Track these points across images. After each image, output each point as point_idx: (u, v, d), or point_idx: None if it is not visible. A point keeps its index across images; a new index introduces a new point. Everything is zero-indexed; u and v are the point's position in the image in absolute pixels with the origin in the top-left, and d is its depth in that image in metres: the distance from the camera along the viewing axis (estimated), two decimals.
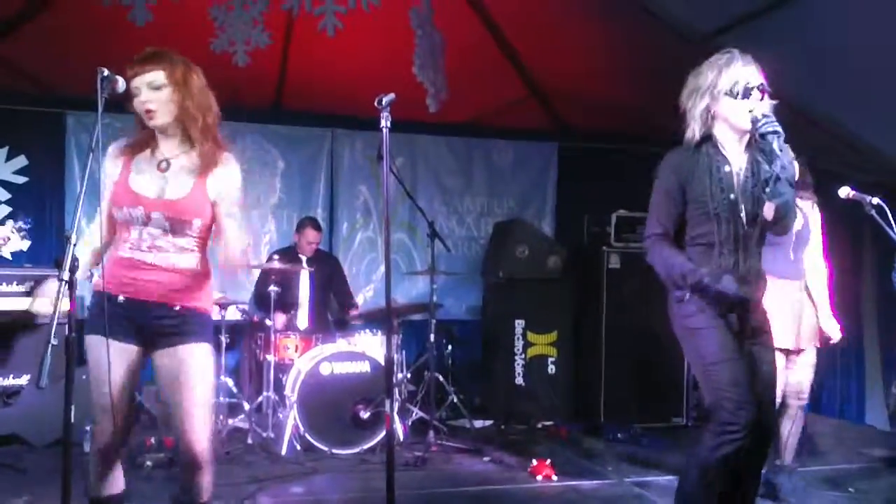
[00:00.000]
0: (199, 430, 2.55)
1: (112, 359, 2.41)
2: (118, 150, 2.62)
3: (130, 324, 2.55)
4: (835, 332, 4.08)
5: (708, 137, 2.84)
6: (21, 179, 5.97)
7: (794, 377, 3.99)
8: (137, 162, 2.59)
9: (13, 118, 5.85)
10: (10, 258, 5.68)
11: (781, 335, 3.65)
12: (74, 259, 2.16)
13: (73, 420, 2.21)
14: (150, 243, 2.54)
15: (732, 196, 2.76)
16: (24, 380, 4.93)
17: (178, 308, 2.57)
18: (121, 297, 2.53)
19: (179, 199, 2.54)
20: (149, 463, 4.38)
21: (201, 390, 2.57)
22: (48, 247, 5.90)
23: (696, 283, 2.70)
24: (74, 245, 2.17)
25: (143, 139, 2.62)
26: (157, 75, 2.52)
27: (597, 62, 5.68)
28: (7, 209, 5.91)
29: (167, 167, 2.57)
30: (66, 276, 2.12)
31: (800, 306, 3.97)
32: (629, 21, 4.90)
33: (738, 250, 2.78)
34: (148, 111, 2.51)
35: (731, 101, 2.74)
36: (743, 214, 2.76)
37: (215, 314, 5.53)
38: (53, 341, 2.01)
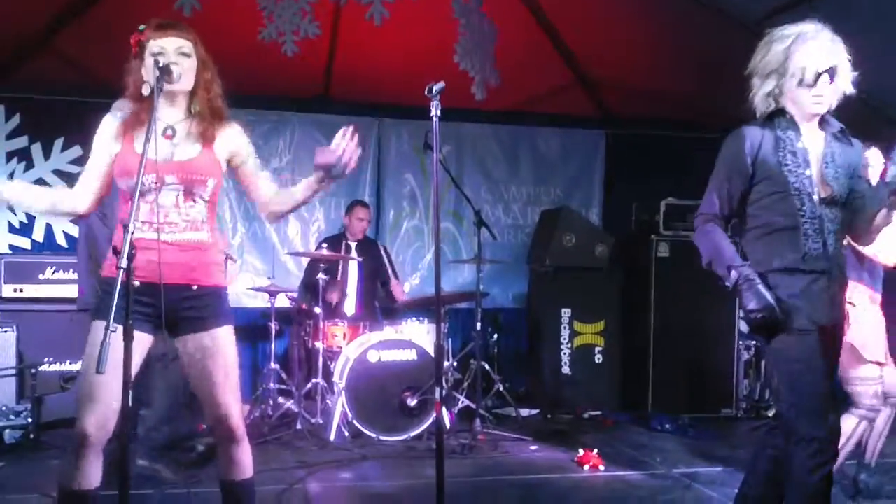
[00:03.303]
0: (232, 407, 2.56)
1: (115, 347, 2.18)
2: (117, 129, 2.57)
3: (147, 310, 2.47)
4: None
5: (780, 111, 2.65)
6: (76, 169, 6.09)
7: (891, 377, 3.76)
8: (138, 134, 2.51)
9: (68, 109, 5.98)
10: (67, 246, 5.88)
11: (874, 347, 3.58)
12: (132, 247, 2.19)
13: (130, 405, 2.24)
14: (163, 218, 2.48)
15: (809, 172, 2.58)
16: (80, 365, 5.05)
17: (195, 288, 2.53)
18: (136, 282, 2.35)
19: (192, 160, 2.53)
20: (201, 447, 4.46)
21: (229, 371, 2.58)
22: None
23: (735, 284, 2.56)
24: (132, 234, 2.20)
25: (136, 113, 2.55)
26: (186, 43, 2.53)
27: (643, 49, 5.60)
28: None
29: (173, 134, 2.56)
30: (123, 263, 2.15)
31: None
32: (677, 5, 4.81)
33: (823, 232, 2.57)
34: (169, 77, 2.45)
35: (798, 88, 2.58)
36: (818, 196, 2.58)
37: (263, 301, 5.63)
38: (112, 327, 2.05)
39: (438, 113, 2.71)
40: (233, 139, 2.64)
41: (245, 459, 2.64)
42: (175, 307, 2.50)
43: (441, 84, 2.67)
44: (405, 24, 5.15)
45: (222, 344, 2.57)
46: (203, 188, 2.55)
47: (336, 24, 5.56)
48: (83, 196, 2.61)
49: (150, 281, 2.44)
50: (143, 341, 2.48)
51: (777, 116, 2.64)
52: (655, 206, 6.17)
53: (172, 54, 2.50)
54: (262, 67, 5.28)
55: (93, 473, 2.43)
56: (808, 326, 2.54)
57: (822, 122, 2.68)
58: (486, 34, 5.37)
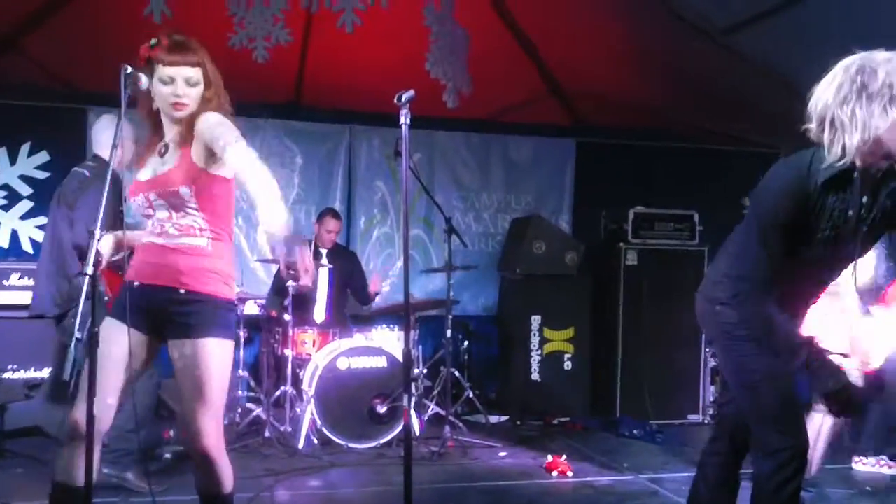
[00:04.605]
0: (207, 426, 2.48)
1: (112, 341, 2.40)
2: (138, 159, 2.68)
3: (141, 310, 2.49)
4: None
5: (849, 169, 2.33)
6: (43, 175, 6.03)
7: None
8: (148, 157, 2.63)
9: (36, 114, 5.92)
10: (32, 252, 5.79)
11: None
12: (98, 254, 2.18)
13: (95, 413, 2.22)
14: (160, 229, 2.53)
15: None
16: (45, 372, 4.99)
17: (183, 292, 2.48)
18: (136, 283, 2.53)
19: (166, 172, 2.52)
20: (168, 455, 4.43)
21: (211, 387, 2.48)
22: None
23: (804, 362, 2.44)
24: (98, 240, 2.19)
25: (152, 135, 2.64)
26: (196, 72, 2.51)
27: (615, 58, 5.67)
28: (29, 204, 5.98)
29: (165, 150, 2.58)
30: (89, 270, 2.15)
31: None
32: (648, 17, 4.88)
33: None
34: (179, 105, 2.50)
35: None
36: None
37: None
38: (78, 335, 2.04)
39: (408, 121, 2.73)
40: (203, 130, 2.47)
41: (219, 476, 2.55)
42: (163, 309, 2.50)
43: (411, 92, 2.68)
44: (377, 31, 5.17)
45: (206, 356, 2.46)
46: (181, 200, 2.49)
47: (308, 31, 5.57)
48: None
49: (145, 282, 2.51)
50: (134, 339, 2.46)
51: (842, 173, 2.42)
52: (624, 214, 6.24)
53: (181, 85, 2.50)
54: (233, 74, 5.16)
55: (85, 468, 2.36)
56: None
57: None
58: (458, 42, 5.40)
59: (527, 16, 5.62)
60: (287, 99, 6.40)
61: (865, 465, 4.70)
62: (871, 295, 4.29)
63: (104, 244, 2.52)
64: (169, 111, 2.53)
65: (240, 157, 2.39)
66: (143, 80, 2.45)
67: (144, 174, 2.58)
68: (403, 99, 2.68)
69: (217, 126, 2.45)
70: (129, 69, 2.40)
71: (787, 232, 2.40)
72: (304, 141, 6.52)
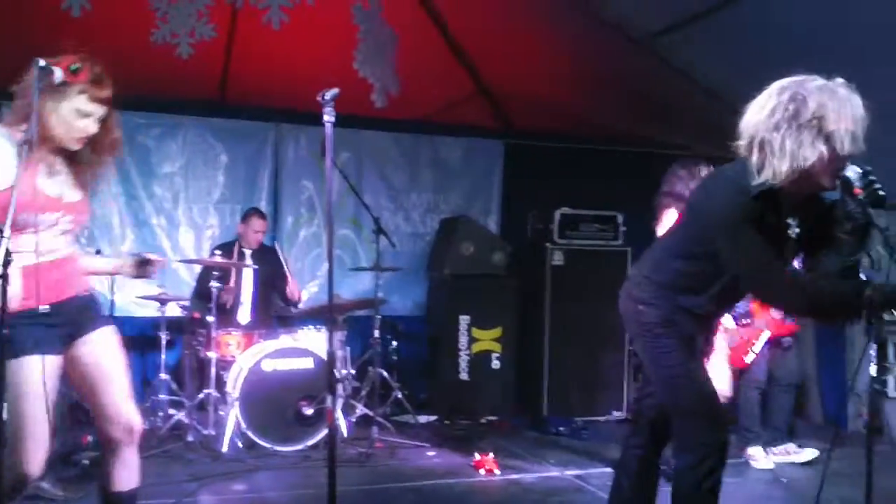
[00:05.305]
0: (131, 403, 2.59)
1: (37, 382, 2.31)
2: (30, 159, 2.46)
3: (56, 332, 2.45)
4: None
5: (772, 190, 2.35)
6: None
7: None
8: (42, 169, 2.50)
9: None
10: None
11: None
12: (8, 253, 2.10)
13: (5, 418, 2.16)
14: (51, 246, 2.47)
15: None
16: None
17: (87, 294, 2.63)
18: (42, 307, 2.38)
19: (78, 202, 2.57)
20: (86, 461, 4.28)
21: (124, 368, 2.62)
22: None
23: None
24: (8, 238, 2.11)
25: (40, 150, 2.47)
26: (107, 112, 2.52)
27: (543, 62, 5.75)
28: None
29: (60, 173, 2.55)
30: None
31: None
32: (574, 20, 4.96)
33: None
34: (83, 138, 2.50)
35: (832, 156, 2.27)
36: None
37: (154, 310, 5.46)
38: None
39: (332, 119, 2.71)
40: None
41: (136, 463, 2.62)
42: (77, 317, 2.54)
43: (335, 90, 2.66)
44: (305, 29, 5.12)
45: (114, 340, 2.62)
46: (82, 226, 2.71)
47: (233, 28, 5.46)
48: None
49: (57, 300, 2.47)
50: (57, 362, 2.46)
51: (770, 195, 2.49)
52: (550, 215, 6.33)
53: (94, 123, 2.49)
54: (156, 69, 5.12)
55: None
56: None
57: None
58: (387, 42, 5.39)
59: (456, 17, 5.65)
60: (211, 96, 6.25)
61: (776, 457, 4.88)
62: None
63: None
64: (69, 142, 2.49)
65: None
66: (57, 73, 2.35)
67: (51, 189, 2.47)
68: (327, 97, 2.66)
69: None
70: (43, 62, 2.31)
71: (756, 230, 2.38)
72: (229, 139, 6.39)
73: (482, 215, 7.04)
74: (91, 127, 2.48)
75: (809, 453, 4.85)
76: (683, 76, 4.96)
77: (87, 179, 2.59)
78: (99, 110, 2.48)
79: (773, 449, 4.90)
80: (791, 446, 4.91)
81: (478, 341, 6.27)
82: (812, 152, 2.25)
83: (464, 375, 6.23)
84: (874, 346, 3.55)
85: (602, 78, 5.58)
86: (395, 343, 6.11)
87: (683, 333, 2.60)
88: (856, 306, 2.29)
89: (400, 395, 5.72)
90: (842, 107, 2.25)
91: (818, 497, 2.70)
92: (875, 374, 3.65)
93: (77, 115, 2.44)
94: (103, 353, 2.56)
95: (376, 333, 5.41)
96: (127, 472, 2.58)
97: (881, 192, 2.26)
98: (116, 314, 5.60)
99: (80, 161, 2.58)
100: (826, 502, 4.07)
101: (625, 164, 6.85)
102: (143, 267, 2.81)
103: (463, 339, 6.24)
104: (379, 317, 5.44)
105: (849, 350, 5.89)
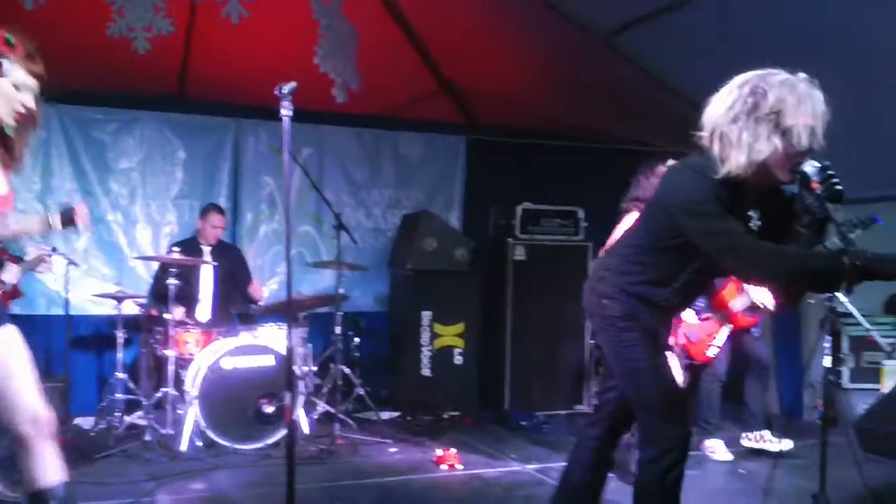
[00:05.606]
0: (37, 395, 2.47)
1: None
2: None
3: None
4: None
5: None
6: None
7: None
8: None
9: None
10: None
11: None
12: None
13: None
14: None
15: None
16: None
17: None
18: None
19: (8, 193, 2.53)
20: None
21: (28, 364, 2.50)
22: None
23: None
24: None
25: None
26: (38, 85, 2.48)
27: (504, 58, 5.77)
28: None
29: None
30: None
31: None
32: (534, 17, 4.98)
33: None
34: (20, 115, 2.45)
35: (789, 151, 2.31)
36: None
37: (110, 308, 5.36)
38: None
39: (290, 113, 2.68)
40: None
41: (54, 457, 2.48)
42: None
43: (292, 84, 2.64)
44: (265, 23, 5.06)
45: (17, 338, 2.51)
46: None
47: (192, 22, 5.38)
48: None
49: None
50: None
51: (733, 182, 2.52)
52: (512, 210, 6.36)
53: (30, 95, 2.44)
54: (112, 64, 5.03)
55: None
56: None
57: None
58: (348, 37, 5.36)
59: (416, 12, 5.64)
60: (170, 91, 6.16)
61: (750, 442, 4.96)
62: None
63: None
64: (7, 119, 2.44)
65: None
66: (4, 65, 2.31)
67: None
68: (285, 90, 2.64)
69: None
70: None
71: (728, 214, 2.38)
72: (188, 134, 6.29)
73: (444, 211, 7.04)
74: (30, 101, 2.44)
75: (785, 444, 4.90)
76: (644, 73, 5.01)
77: (12, 158, 2.52)
78: (34, 85, 2.44)
79: (749, 434, 4.97)
80: (767, 433, 4.96)
81: (440, 337, 6.28)
82: (767, 146, 2.29)
83: (426, 371, 6.23)
84: (828, 337, 3.67)
85: (564, 74, 5.62)
86: (356, 339, 6.08)
87: (647, 327, 2.63)
88: (837, 271, 2.26)
89: (362, 392, 5.70)
90: (801, 102, 2.28)
91: (766, 486, 2.74)
92: (829, 366, 3.78)
93: (17, 89, 2.41)
94: (5, 352, 2.46)
95: (338, 330, 5.38)
96: (43, 468, 2.43)
97: (839, 187, 2.31)
98: (72, 312, 5.50)
99: (5, 138, 2.51)
100: (781, 492, 4.16)
101: (586, 159, 6.90)
102: (68, 218, 2.89)
103: (425, 335, 6.24)
104: (340, 313, 5.41)
105: (804, 341, 6.02)
